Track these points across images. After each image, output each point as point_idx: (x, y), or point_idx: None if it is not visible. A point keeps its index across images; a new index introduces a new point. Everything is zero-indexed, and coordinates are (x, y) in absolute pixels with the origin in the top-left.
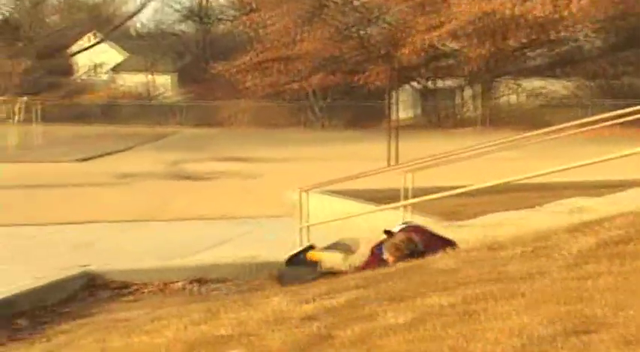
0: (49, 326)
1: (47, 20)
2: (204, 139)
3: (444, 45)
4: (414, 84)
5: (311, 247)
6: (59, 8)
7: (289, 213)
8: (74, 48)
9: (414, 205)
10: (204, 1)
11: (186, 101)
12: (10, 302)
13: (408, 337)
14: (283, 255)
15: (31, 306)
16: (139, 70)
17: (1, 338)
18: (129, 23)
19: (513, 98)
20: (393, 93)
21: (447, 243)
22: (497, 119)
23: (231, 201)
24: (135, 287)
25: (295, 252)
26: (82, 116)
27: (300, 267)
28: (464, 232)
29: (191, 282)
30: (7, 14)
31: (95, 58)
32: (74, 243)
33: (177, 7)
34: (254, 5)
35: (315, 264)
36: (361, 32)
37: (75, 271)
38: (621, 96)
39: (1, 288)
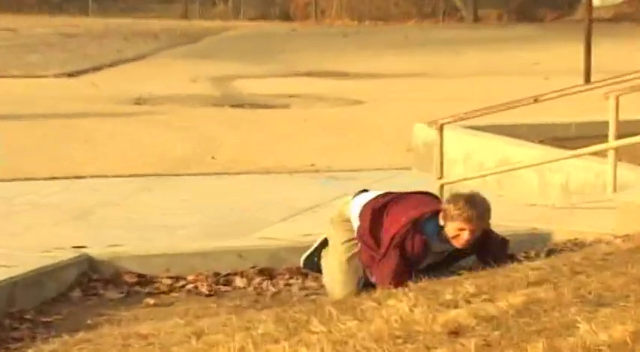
0: (18, 345)
1: None
2: (269, 41)
3: None
4: None
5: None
6: None
7: (415, 161)
8: None
9: (622, 150)
10: None
11: None
12: None
13: None
14: None
15: None
16: None
17: None
18: None
19: None
20: None
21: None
22: None
23: (317, 142)
24: (162, 282)
25: (310, 251)
26: (62, 2)
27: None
28: None
29: (256, 276)
30: None
31: None
32: (65, 209)
33: None
34: None
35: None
36: None
37: (65, 256)
38: None
39: None
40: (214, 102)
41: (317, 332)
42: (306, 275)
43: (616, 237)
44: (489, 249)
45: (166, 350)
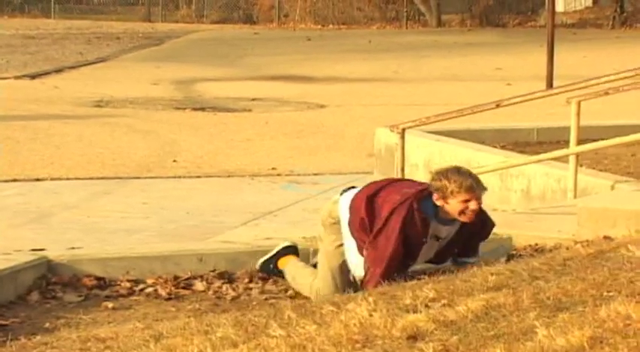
0: None
1: None
2: (232, 44)
3: None
4: None
5: (289, 249)
6: None
7: (377, 165)
8: None
9: (583, 156)
10: None
11: None
12: None
13: None
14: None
15: None
16: None
17: None
18: None
19: None
20: None
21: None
22: None
23: (279, 146)
24: (122, 285)
25: (268, 256)
26: (26, 2)
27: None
28: None
29: (215, 280)
30: None
31: None
32: (24, 211)
33: None
34: None
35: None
36: None
37: (23, 258)
38: None
39: None
40: (176, 105)
41: (276, 336)
42: (266, 279)
43: (576, 242)
44: (486, 229)
45: None
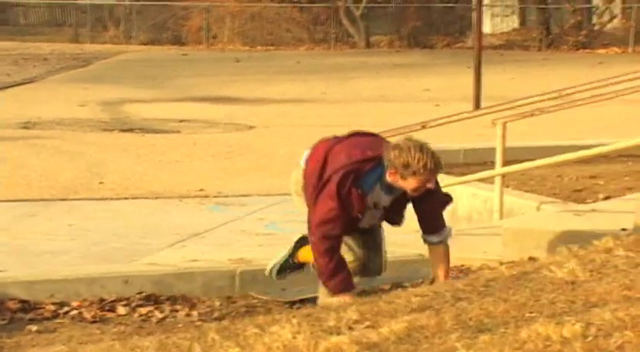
0: None
1: None
2: (160, 65)
3: None
4: None
5: (303, 240)
6: None
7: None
8: None
9: (510, 177)
10: None
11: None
12: None
13: None
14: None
15: None
16: None
17: None
18: None
19: None
20: None
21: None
22: None
23: (207, 167)
24: (46, 308)
25: (285, 254)
26: None
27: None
28: (597, 220)
29: (141, 302)
30: None
31: None
32: None
33: None
34: None
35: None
36: None
37: None
38: None
39: None
40: (104, 126)
41: None
42: (193, 303)
43: (501, 263)
44: (433, 199)
45: None
